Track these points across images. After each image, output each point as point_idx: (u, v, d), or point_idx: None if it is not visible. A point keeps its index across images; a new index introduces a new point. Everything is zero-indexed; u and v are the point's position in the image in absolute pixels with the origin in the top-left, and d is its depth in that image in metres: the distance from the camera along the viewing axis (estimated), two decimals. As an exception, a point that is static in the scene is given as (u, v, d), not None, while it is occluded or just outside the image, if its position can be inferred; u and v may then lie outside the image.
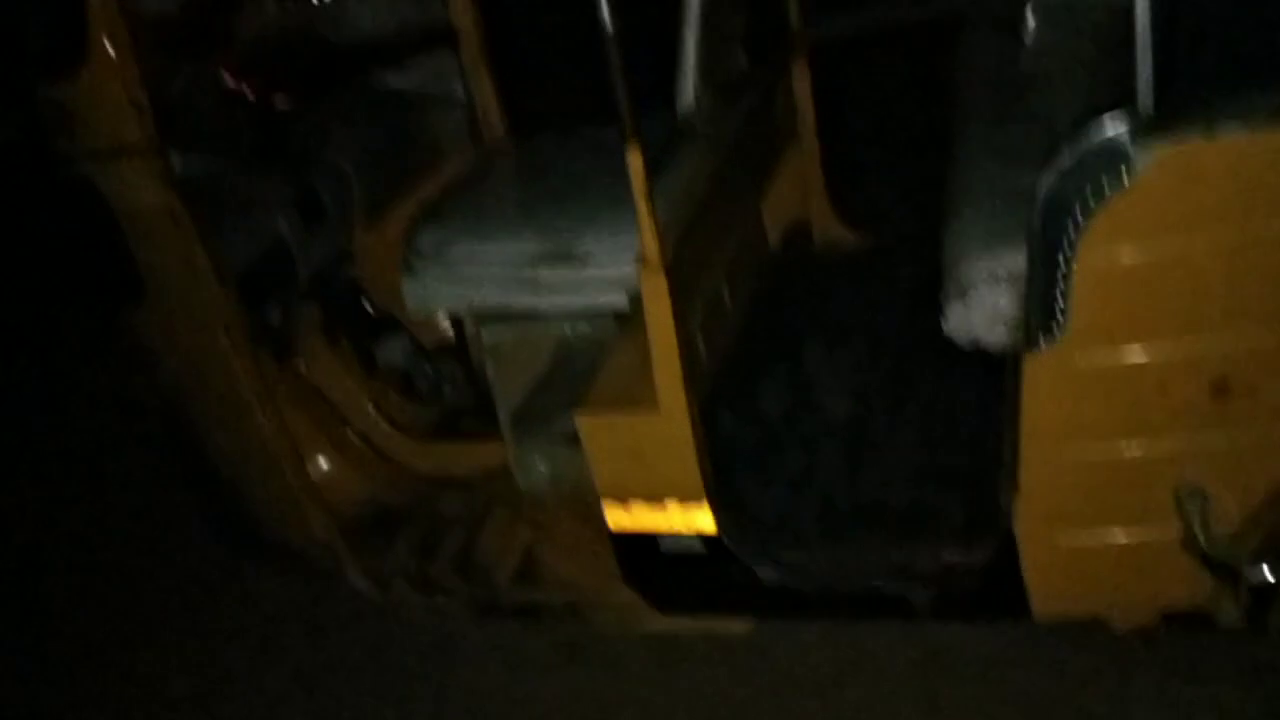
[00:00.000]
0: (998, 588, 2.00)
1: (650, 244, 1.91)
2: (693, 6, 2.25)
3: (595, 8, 1.71)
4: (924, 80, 3.04)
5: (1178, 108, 1.59)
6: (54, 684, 2.91)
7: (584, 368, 2.26)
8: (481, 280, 2.40)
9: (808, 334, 2.75)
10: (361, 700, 2.63)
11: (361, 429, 2.75)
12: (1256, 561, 1.78)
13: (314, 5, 2.74)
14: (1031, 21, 2.68)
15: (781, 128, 3.08)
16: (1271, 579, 1.77)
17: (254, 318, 2.40)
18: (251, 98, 2.45)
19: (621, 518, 2.12)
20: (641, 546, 2.15)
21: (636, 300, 2.01)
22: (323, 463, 2.63)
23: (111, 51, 2.03)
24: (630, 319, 2.19)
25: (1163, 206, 1.66)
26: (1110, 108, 1.63)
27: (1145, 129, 1.60)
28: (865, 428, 2.43)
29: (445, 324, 2.93)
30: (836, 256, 3.21)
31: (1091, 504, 1.90)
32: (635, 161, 1.83)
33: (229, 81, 2.44)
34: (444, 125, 3.03)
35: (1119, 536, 1.90)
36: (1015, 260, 1.83)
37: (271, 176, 2.52)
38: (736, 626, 2.35)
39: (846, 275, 3.07)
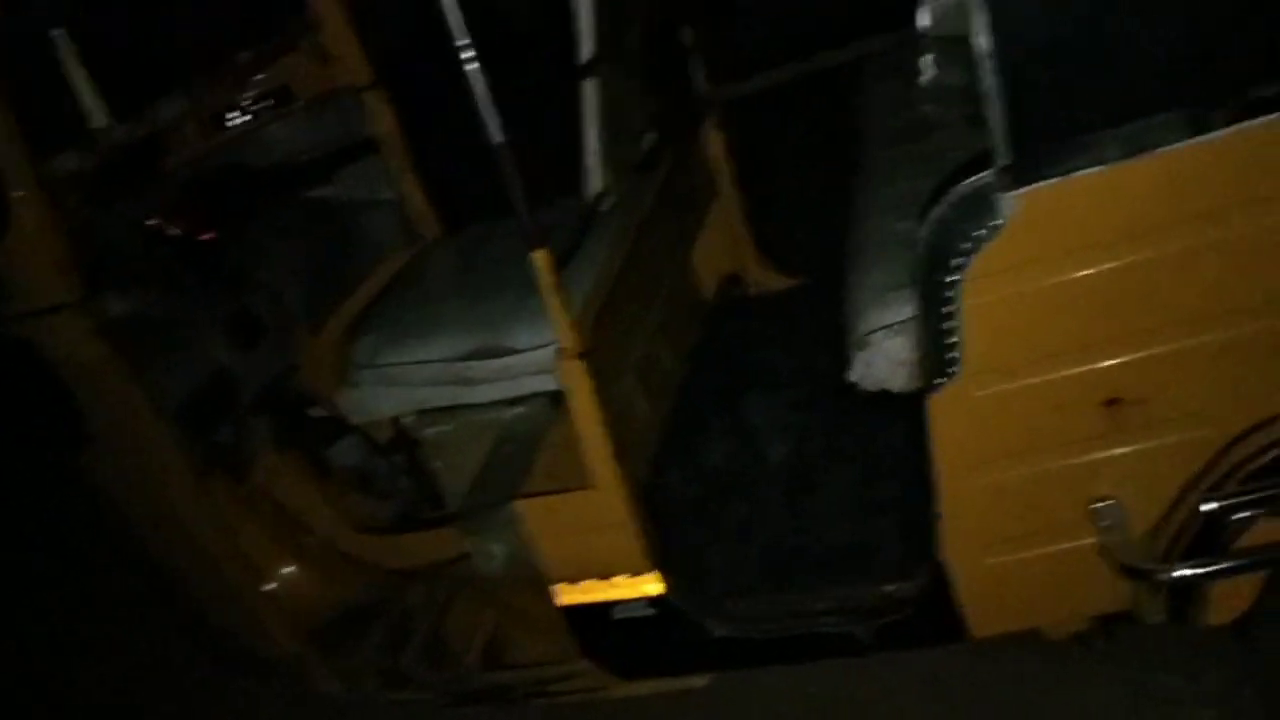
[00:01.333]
0: (935, 614, 2.08)
1: (565, 333, 2.01)
2: (590, 99, 2.36)
3: (481, 123, 1.82)
4: (834, 122, 3.16)
5: (1035, 154, 1.70)
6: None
7: (523, 451, 2.35)
8: (417, 382, 2.49)
9: (746, 381, 2.84)
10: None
11: (323, 533, 2.82)
12: (1169, 561, 1.88)
13: (233, 133, 2.82)
14: (929, 64, 2.80)
15: (702, 188, 3.20)
16: (1184, 577, 1.88)
17: (205, 442, 2.48)
18: (177, 233, 2.54)
19: (572, 593, 2.21)
20: (595, 617, 2.23)
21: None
22: (287, 571, 2.68)
23: (31, 218, 2.14)
24: (564, 400, 2.28)
25: (1032, 244, 1.76)
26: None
27: (1005, 177, 1.71)
28: (803, 474, 2.52)
29: (391, 424, 3.02)
30: (771, 302, 3.32)
31: (1012, 523, 1.99)
32: (540, 259, 1.94)
33: (153, 222, 2.53)
34: (377, 226, 3.12)
35: (1041, 551, 1.99)
36: (906, 309, 1.94)
37: (204, 305, 2.59)
38: (695, 682, 2.43)
39: (781, 320, 3.17)
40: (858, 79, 3.09)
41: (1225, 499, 1.82)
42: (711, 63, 3.17)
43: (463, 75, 1.85)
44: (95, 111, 2.45)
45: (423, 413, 2.57)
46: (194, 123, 2.72)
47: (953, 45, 2.79)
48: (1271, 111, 1.63)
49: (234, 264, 2.70)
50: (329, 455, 2.95)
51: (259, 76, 2.90)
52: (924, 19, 2.85)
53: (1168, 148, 1.67)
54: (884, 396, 2.19)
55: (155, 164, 2.60)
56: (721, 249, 3.28)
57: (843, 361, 2.17)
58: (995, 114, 1.67)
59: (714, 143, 3.23)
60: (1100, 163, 1.70)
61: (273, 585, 2.62)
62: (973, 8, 1.61)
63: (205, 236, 2.61)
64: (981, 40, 1.62)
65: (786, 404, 2.75)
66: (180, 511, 2.41)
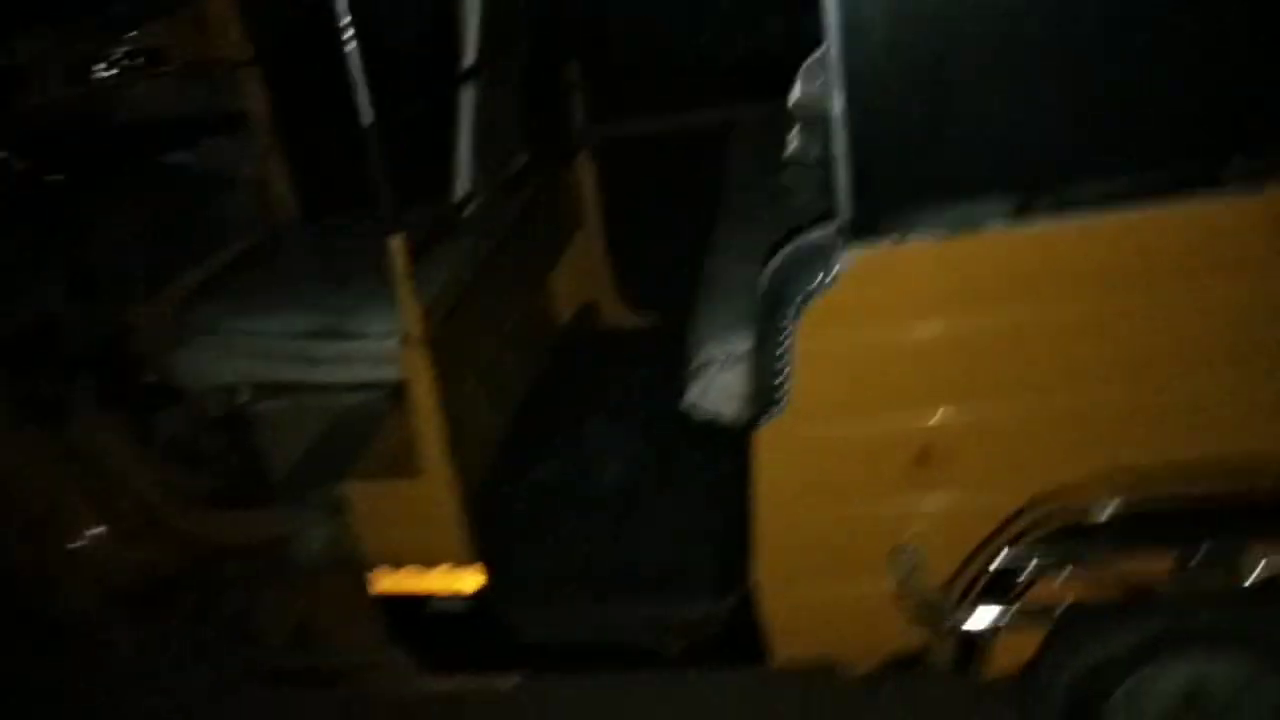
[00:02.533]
0: (740, 637, 2.16)
1: (411, 320, 2.04)
2: (465, 108, 2.41)
3: (353, 99, 1.84)
4: (703, 177, 3.29)
5: (873, 216, 1.82)
6: None
7: (356, 438, 2.35)
8: (256, 353, 2.47)
9: (588, 408, 2.91)
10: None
11: (138, 498, 2.74)
12: (959, 611, 2.01)
13: (99, 85, 2.76)
14: (795, 136, 2.95)
15: (567, 216, 3.27)
16: (973, 627, 2.01)
17: (20, 387, 2.40)
18: (24, 168, 2.47)
19: (389, 581, 2.21)
20: (409, 608, 2.24)
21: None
22: (95, 531, 2.60)
23: None
24: (402, 395, 2.30)
25: (861, 301, 1.88)
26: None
27: (843, 234, 1.83)
28: (632, 496, 2.59)
29: (223, 397, 2.97)
30: (620, 336, 3.41)
31: (818, 559, 2.09)
32: (395, 244, 1.98)
33: (1, 153, 2.45)
34: (231, 205, 3.09)
35: (844, 589, 2.09)
36: (744, 344, 2.04)
37: (41, 249, 2.52)
38: (503, 682, 2.45)
39: (627, 355, 3.25)
40: (728, 139, 3.24)
41: (1014, 557, 1.95)
42: (591, 100, 3.27)
43: (341, 57, 1.88)
44: (-46, 30, 2.37)
45: (258, 386, 2.54)
46: (58, 66, 2.65)
47: (818, 123, 2.97)
48: (1089, 207, 1.79)
49: (79, 213, 2.63)
50: (154, 422, 2.88)
51: (133, 34, 2.85)
52: (795, 95, 3.02)
53: (992, 227, 1.82)
54: (715, 432, 2.28)
55: (12, 98, 2.52)
56: (580, 279, 3.35)
57: (680, 399, 2.24)
58: (841, 172, 1.79)
59: (585, 175, 3.32)
60: (931, 234, 1.83)
61: (79, 543, 2.54)
62: (831, 75, 1.73)
63: (53, 178, 2.53)
64: (836, 103, 1.75)
65: (623, 431, 2.82)
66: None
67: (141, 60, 2.88)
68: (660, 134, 3.51)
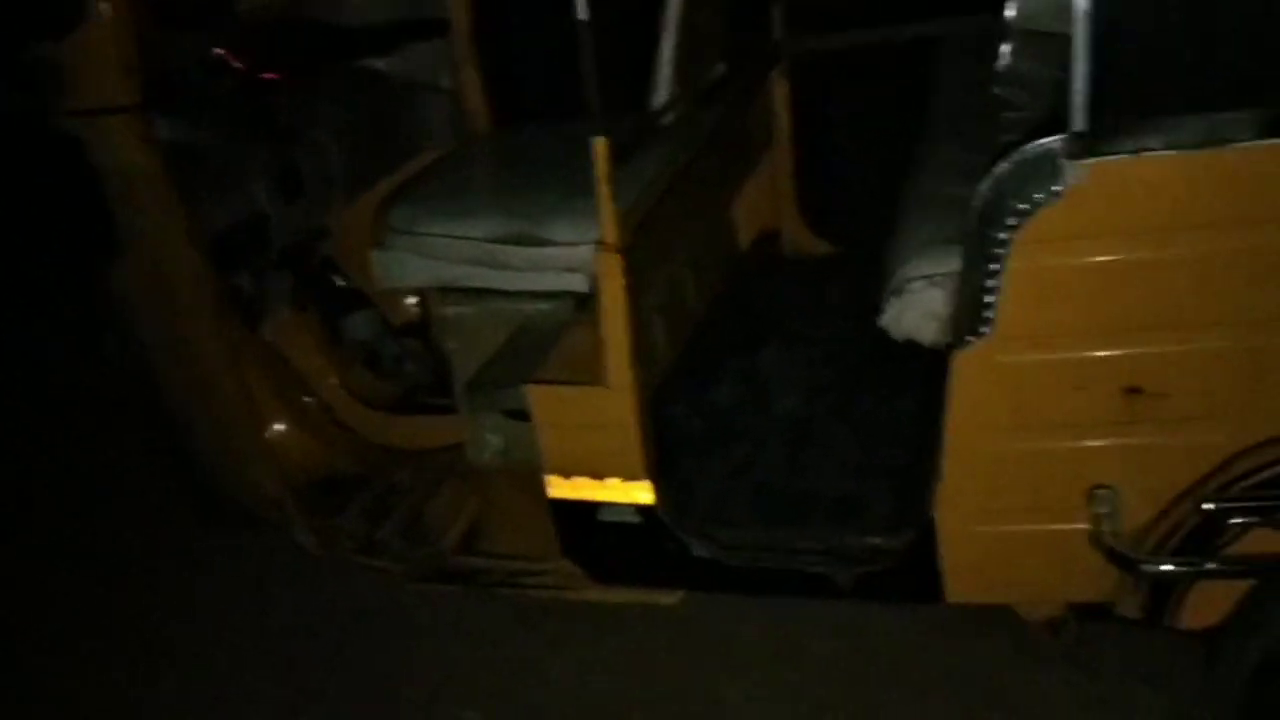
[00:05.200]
0: (916, 572, 2.09)
1: (609, 226, 2.01)
2: (671, 10, 2.36)
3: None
4: (900, 99, 3.16)
5: (1109, 126, 1.70)
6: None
7: (541, 345, 2.35)
8: (448, 256, 2.48)
9: (766, 333, 2.85)
10: (308, 664, 2.69)
11: (323, 398, 2.83)
12: (1158, 557, 1.89)
13: (310, -12, 2.83)
14: (1006, 48, 2.80)
15: (757, 135, 3.19)
16: (1171, 571, 1.88)
17: (226, 283, 2.49)
18: (241, 69, 2.54)
19: (563, 488, 2.21)
20: (580, 516, 2.23)
21: (596, 283, 2.11)
22: (282, 426, 2.70)
23: (108, 13, 2.13)
24: (590, 302, 2.28)
25: (1088, 218, 1.76)
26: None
27: (1076, 144, 1.71)
28: (809, 424, 2.53)
29: (412, 303, 3.03)
30: (803, 263, 3.33)
31: (1008, 496, 1.99)
32: (599, 146, 1.94)
33: (219, 52, 2.52)
34: (429, 113, 3.13)
35: (1032, 528, 2.00)
36: (951, 263, 1.94)
37: (254, 148, 2.60)
38: (668, 598, 2.44)
39: (809, 282, 3.18)
40: (934, 54, 3.09)
41: (1226, 502, 1.82)
42: (791, 12, 3.17)
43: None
44: (180, -71, 2.45)
45: (447, 290, 2.57)
46: None
47: (1034, 39, 2.81)
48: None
49: (288, 114, 2.71)
50: (343, 325, 2.97)
51: None
52: (1011, 9, 2.86)
53: (1240, 144, 1.68)
54: (900, 362, 2.19)
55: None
56: (764, 202, 3.28)
57: (865, 328, 2.16)
58: (1078, 78, 1.67)
59: (779, 92, 3.23)
60: (1173, 147, 1.70)
61: (268, 434, 2.63)
62: None
63: (268, 76, 2.60)
64: (1079, 2, 1.62)
65: (802, 360, 2.76)
66: (193, 340, 2.41)
67: None
68: (860, 48, 3.36)
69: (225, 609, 2.92)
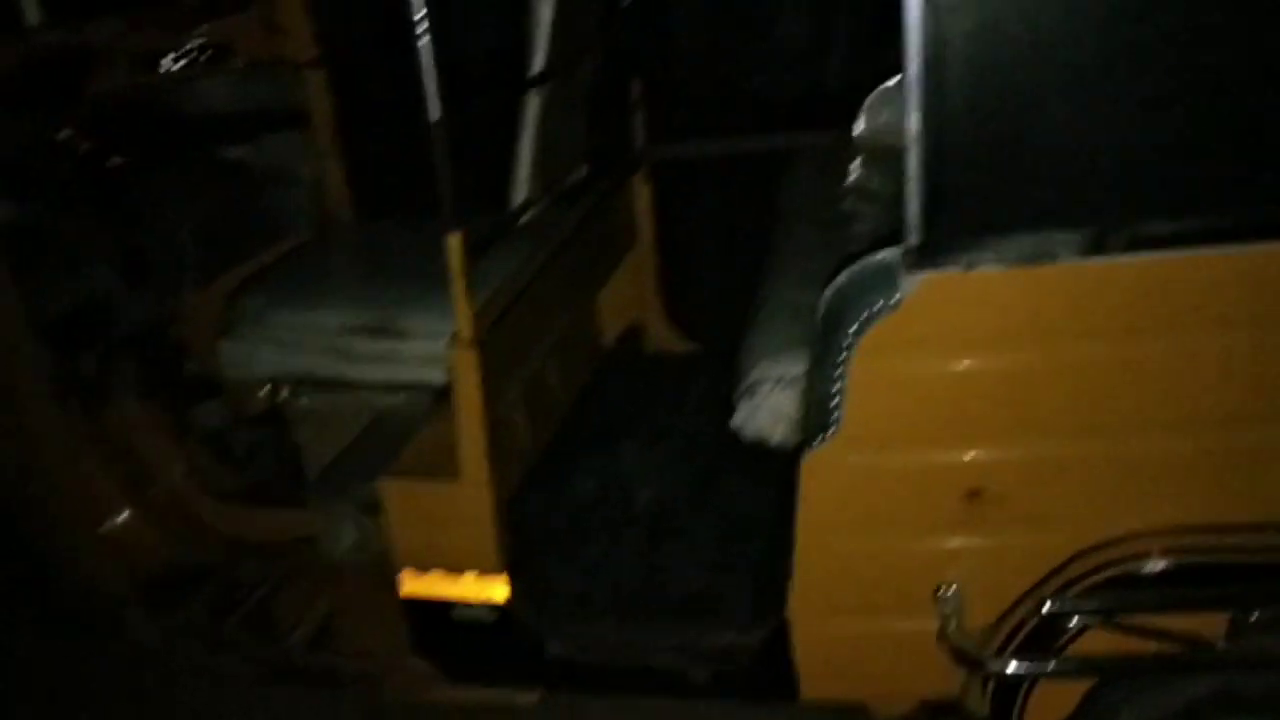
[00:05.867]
0: (771, 669, 2.11)
1: (464, 320, 2.02)
2: (530, 112, 2.40)
3: (420, 97, 1.83)
4: (760, 203, 3.28)
5: (943, 241, 1.78)
6: None
7: (395, 438, 2.33)
8: (298, 347, 2.46)
9: (628, 428, 2.87)
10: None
11: (169, 488, 2.73)
12: (1001, 656, 1.94)
13: (165, 76, 2.79)
14: (857, 166, 2.93)
15: (620, 235, 3.26)
16: (1015, 672, 1.93)
17: (64, 367, 2.40)
18: (85, 151, 2.48)
19: (417, 585, 2.17)
20: (434, 614, 2.19)
21: (452, 376, 2.11)
22: (124, 517, 2.59)
23: None
24: (446, 395, 2.27)
25: (925, 328, 1.83)
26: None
27: (911, 257, 1.78)
28: (668, 519, 2.54)
29: (264, 392, 2.96)
30: (666, 359, 3.38)
31: (859, 594, 2.03)
32: (454, 241, 1.96)
33: (67, 133, 2.46)
34: (287, 203, 3.10)
35: (882, 626, 2.03)
36: (799, 366, 2.00)
37: (98, 231, 2.53)
38: (524, 697, 2.40)
39: (672, 378, 3.22)
40: (788, 165, 3.21)
41: (1061, 606, 1.88)
42: (651, 120, 3.26)
43: (407, 59, 1.86)
44: (30, 7, 2.39)
45: (299, 381, 2.53)
46: (126, 54, 2.68)
47: (880, 154, 2.96)
48: (1163, 247, 1.74)
49: (136, 199, 2.65)
50: (192, 413, 2.88)
51: (202, 27, 2.88)
52: (859, 126, 3.01)
53: (1067, 261, 1.77)
54: (755, 460, 2.23)
55: (79, 82, 2.54)
56: (628, 299, 3.33)
57: (724, 425, 2.20)
58: (912, 195, 1.74)
59: (641, 195, 3.30)
60: (1003, 262, 1.78)
61: (108, 526, 2.53)
62: (909, 97, 1.69)
63: (113, 163, 2.54)
64: (913, 120, 1.70)
65: (663, 455, 2.78)
66: (27, 426, 2.31)
67: (209, 54, 2.90)
68: (717, 158, 3.49)
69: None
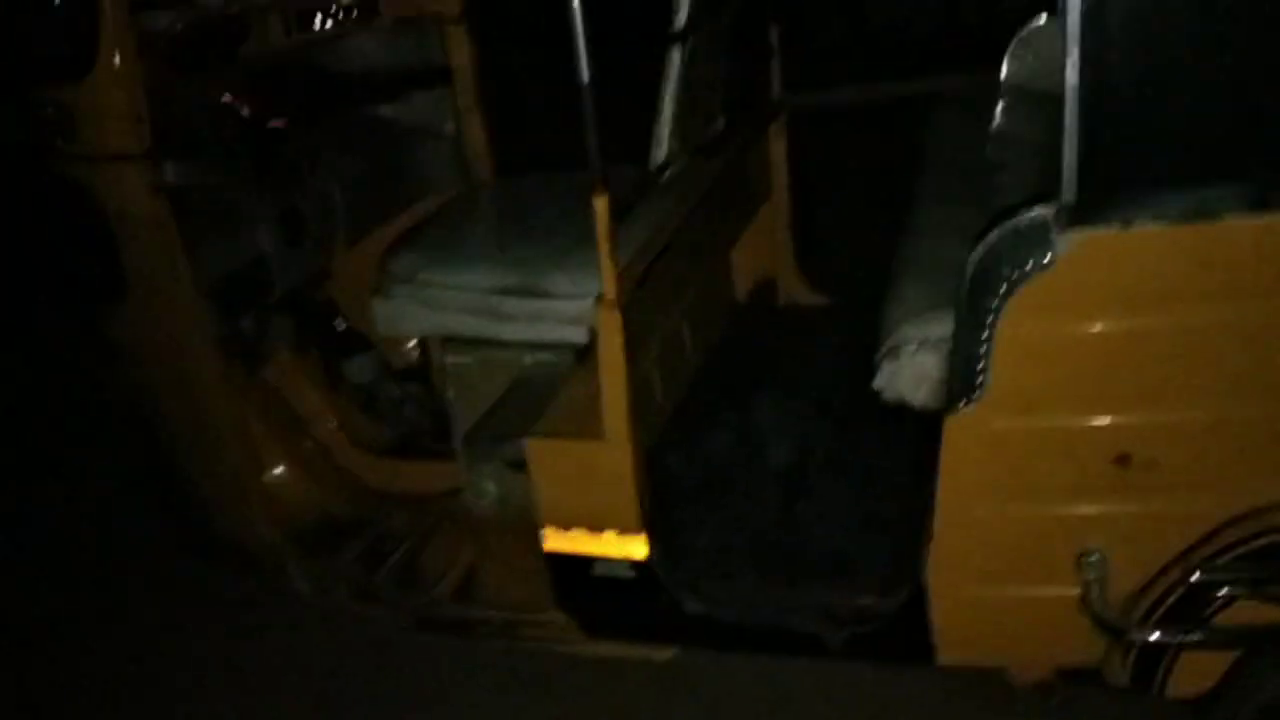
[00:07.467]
0: (906, 632, 2.10)
1: (609, 283, 2.04)
2: (674, 68, 2.39)
3: (567, 57, 1.85)
4: (896, 152, 3.21)
5: (1099, 198, 1.73)
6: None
7: (539, 396, 2.37)
8: (449, 306, 2.51)
9: (761, 384, 2.87)
10: (297, 705, 2.69)
11: (321, 441, 2.85)
12: (1145, 625, 1.90)
13: (317, 36, 2.86)
14: (1000, 108, 2.84)
15: (756, 188, 3.24)
16: (1160, 641, 1.90)
17: (228, 325, 2.52)
18: (247, 114, 2.58)
19: (559, 540, 2.23)
20: (575, 569, 2.25)
21: (595, 336, 2.14)
22: (280, 469, 2.72)
23: (118, 62, 2.17)
24: (588, 354, 2.31)
25: (1078, 287, 1.79)
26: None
27: (1067, 215, 1.74)
28: (803, 477, 2.55)
29: (413, 347, 3.05)
30: (798, 314, 3.36)
31: (998, 559, 2.01)
32: (600, 204, 1.97)
33: (226, 97, 2.56)
34: (432, 160, 3.17)
35: (1022, 592, 2.01)
36: (944, 327, 1.97)
37: (259, 192, 2.63)
38: (660, 653, 2.45)
39: (805, 333, 3.21)
40: (929, 111, 3.14)
41: (1215, 573, 1.84)
42: (790, 68, 3.22)
43: (549, 17, 1.87)
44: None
45: (447, 339, 2.60)
46: (281, 16, 2.76)
47: (1027, 98, 2.85)
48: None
49: (293, 159, 2.74)
50: (343, 368, 2.99)
51: None
52: (1006, 70, 2.91)
53: (1227, 218, 1.70)
54: (893, 417, 2.21)
55: (239, 45, 2.63)
56: (761, 253, 3.32)
57: (859, 381, 2.18)
58: (1068, 150, 1.70)
59: (776, 146, 3.27)
60: (1161, 220, 1.73)
61: (265, 477, 2.65)
62: (1068, 43, 1.63)
63: (274, 124, 2.64)
64: (1071, 74, 1.65)
65: (798, 412, 2.78)
66: (194, 382, 2.44)
67: (356, 13, 2.97)
68: (855, 106, 3.42)
69: (211, 639, 2.91)
